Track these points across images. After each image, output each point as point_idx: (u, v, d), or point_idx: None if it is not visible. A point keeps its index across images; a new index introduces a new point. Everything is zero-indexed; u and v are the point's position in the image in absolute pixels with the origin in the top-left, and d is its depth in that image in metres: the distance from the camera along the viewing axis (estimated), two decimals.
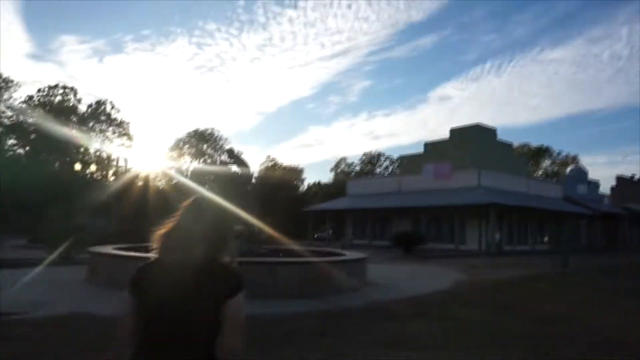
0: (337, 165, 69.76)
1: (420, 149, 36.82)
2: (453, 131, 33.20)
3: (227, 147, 27.59)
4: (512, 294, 10.33)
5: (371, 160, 69.61)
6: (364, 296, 9.16)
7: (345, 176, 61.82)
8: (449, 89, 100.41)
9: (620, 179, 50.86)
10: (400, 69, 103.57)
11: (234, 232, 2.02)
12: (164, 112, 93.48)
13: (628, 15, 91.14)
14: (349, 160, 70.01)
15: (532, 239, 33.72)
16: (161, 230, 1.61)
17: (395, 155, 65.70)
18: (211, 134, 57.92)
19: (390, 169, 66.73)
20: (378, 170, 67.90)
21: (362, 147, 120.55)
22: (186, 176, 45.65)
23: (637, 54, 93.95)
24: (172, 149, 56.50)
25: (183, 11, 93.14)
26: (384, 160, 69.33)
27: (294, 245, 13.10)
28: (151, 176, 37.66)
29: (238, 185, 10.04)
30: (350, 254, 11.35)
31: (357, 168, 68.68)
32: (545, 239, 35.28)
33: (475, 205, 27.98)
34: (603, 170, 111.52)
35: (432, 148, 33.89)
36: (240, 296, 1.54)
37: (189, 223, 1.59)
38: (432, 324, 6.81)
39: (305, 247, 14.11)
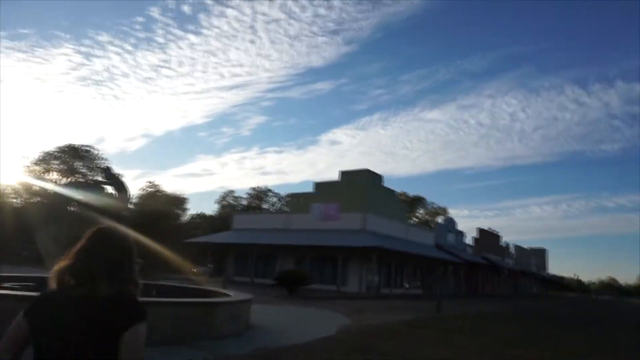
0: (224, 197, 67.77)
1: (308, 189, 37.30)
2: (343, 174, 34.23)
3: (104, 165, 24.94)
4: (397, 340, 10.25)
5: (259, 195, 68.92)
6: (248, 343, 8.31)
7: (232, 209, 60.10)
8: (339, 134, 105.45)
9: (481, 231, 56.63)
10: (295, 110, 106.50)
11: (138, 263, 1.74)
12: (35, 122, 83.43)
13: (492, 91, 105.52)
14: (237, 194, 68.57)
15: (407, 283, 35.42)
16: (63, 262, 1.55)
17: (283, 193, 65.99)
18: (87, 151, 52.49)
19: (277, 206, 66.60)
20: (265, 206, 67.32)
21: (250, 181, 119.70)
22: (51, 194, 40.41)
23: (497, 125, 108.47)
24: (38, 163, 49.93)
25: (73, 15, 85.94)
26: (272, 197, 69.13)
27: (171, 281, 11.79)
28: (6, 191, 32.51)
29: (112, 209, 8.73)
30: (234, 294, 10.44)
31: (244, 202, 67.37)
32: (418, 283, 37.36)
33: (360, 248, 28.64)
34: (463, 223, 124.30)
35: (322, 188, 34.47)
36: (138, 327, 1.47)
37: (94, 254, 1.55)
38: None
39: (183, 282, 12.81)
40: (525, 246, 78.63)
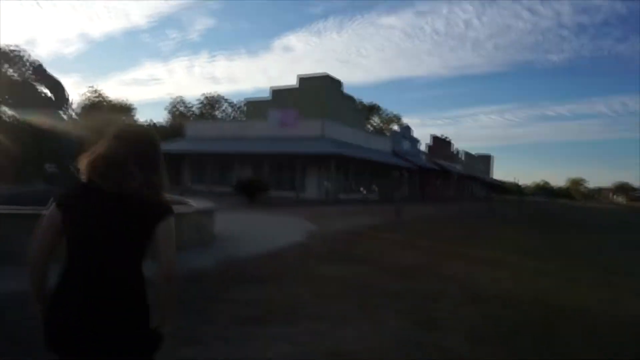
0: (174, 105, 64.41)
1: (261, 96, 35.58)
2: (302, 79, 32.69)
3: (36, 63, 22.09)
4: (366, 245, 10.17)
5: (211, 103, 66.02)
6: (215, 253, 7.85)
7: (183, 118, 57.50)
8: (293, 40, 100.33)
9: (435, 139, 57.79)
10: (246, 12, 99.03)
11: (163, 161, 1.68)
12: None
13: None
14: (187, 102, 65.26)
15: (364, 189, 36.10)
16: (91, 156, 1.60)
17: (236, 101, 63.49)
18: (18, 55, 47.10)
19: (231, 115, 64.39)
20: (219, 114, 64.90)
21: (201, 89, 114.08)
22: None
23: (451, 32, 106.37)
24: None
25: None
26: (225, 105, 66.49)
27: None
28: None
29: (47, 110, 7.54)
30: (196, 203, 9.79)
31: (196, 110, 64.51)
32: (375, 188, 38.17)
33: (319, 155, 28.31)
34: (416, 131, 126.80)
35: (279, 94, 32.99)
36: (170, 220, 1.62)
37: (120, 149, 1.60)
38: (297, 286, 5.91)
39: None
40: (473, 153, 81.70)
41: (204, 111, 63.82)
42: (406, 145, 47.03)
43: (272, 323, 4.35)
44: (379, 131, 68.80)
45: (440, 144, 58.84)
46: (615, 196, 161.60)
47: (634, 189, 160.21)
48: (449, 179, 60.36)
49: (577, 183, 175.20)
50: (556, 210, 40.51)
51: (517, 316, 5.19)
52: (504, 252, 10.40)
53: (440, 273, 7.45)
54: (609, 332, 4.80)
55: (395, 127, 60.63)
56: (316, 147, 28.63)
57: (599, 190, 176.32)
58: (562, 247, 12.23)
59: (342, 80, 34.17)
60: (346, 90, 35.20)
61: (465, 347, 4.11)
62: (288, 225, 13.29)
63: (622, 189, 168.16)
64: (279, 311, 4.72)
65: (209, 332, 4.01)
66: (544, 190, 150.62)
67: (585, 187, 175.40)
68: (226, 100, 65.83)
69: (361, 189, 34.98)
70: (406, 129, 48.64)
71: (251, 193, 23.03)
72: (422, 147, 54.29)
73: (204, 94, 65.04)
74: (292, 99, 31.74)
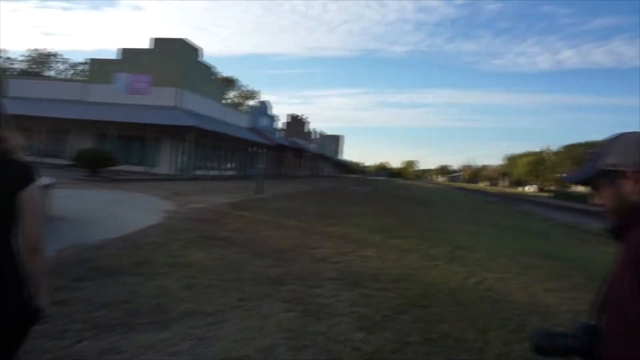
0: None
1: (103, 58, 31.43)
2: (157, 41, 29.61)
3: None
4: (232, 226, 9.59)
5: (41, 59, 56.81)
6: (55, 239, 6.49)
7: (3, 73, 48.32)
8: None
9: (292, 117, 58.68)
10: None
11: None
12: None
13: None
14: (9, 55, 55.05)
15: (222, 165, 34.94)
16: None
17: (72, 60, 55.65)
18: None
19: (66, 74, 56.32)
20: (50, 73, 56.18)
21: (27, 41, 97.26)
22: None
23: (309, 13, 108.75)
24: None
25: None
26: (59, 63, 57.87)
27: None
28: None
29: None
30: None
31: (21, 66, 54.81)
32: (233, 165, 37.28)
33: (174, 127, 26.28)
34: (273, 108, 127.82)
35: (130, 56, 29.47)
36: (33, 187, 1.55)
37: None
38: (163, 277, 5.14)
39: None
40: (326, 133, 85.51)
41: (31, 68, 54.57)
42: (264, 121, 46.80)
43: (139, 328, 3.60)
44: (235, 106, 67.26)
45: (296, 123, 60.01)
46: (438, 177, 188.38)
47: (452, 171, 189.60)
48: (303, 158, 62.22)
49: (410, 164, 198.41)
50: (398, 189, 44.70)
51: (396, 297, 5.25)
52: (365, 229, 10.81)
53: (314, 255, 7.31)
54: (475, 306, 5.14)
55: (253, 103, 59.88)
56: (170, 118, 26.55)
57: (427, 171, 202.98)
58: (413, 224, 13.27)
59: (200, 48, 32.09)
60: (204, 60, 33.23)
61: (359, 335, 3.94)
62: (142, 204, 11.94)
63: (444, 170, 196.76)
64: (145, 312, 3.96)
65: (52, 349, 3.12)
66: (384, 170, 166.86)
67: (416, 168, 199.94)
68: (60, 56, 57.30)
69: (219, 165, 33.80)
70: (264, 106, 48.32)
71: (94, 166, 20.34)
72: (279, 125, 54.70)
73: (32, 48, 55.54)
74: (144, 62, 28.70)
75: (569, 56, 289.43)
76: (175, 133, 27.32)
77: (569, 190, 72.68)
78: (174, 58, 28.70)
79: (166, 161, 28.09)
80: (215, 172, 32.71)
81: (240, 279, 5.39)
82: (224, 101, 66.51)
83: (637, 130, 1.24)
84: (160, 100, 28.12)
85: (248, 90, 74.24)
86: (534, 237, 13.66)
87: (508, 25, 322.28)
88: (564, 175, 1.43)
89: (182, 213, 10.78)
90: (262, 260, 6.54)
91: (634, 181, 1.16)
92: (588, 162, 1.29)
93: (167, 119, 26.32)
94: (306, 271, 6.13)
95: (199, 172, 29.34)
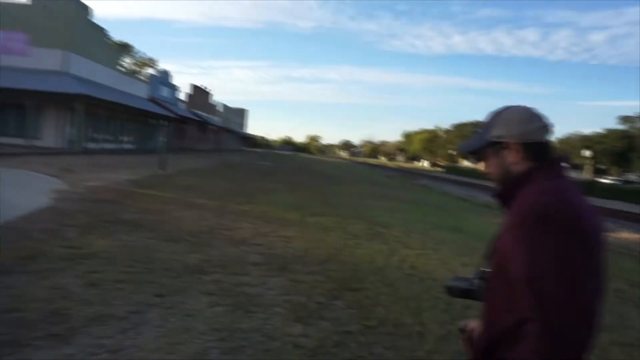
0: None
1: None
2: None
3: None
4: (136, 206, 8.67)
5: None
6: None
7: None
8: None
9: (195, 88, 55.70)
10: None
11: None
12: None
13: None
14: None
15: (118, 138, 32.13)
16: None
17: None
18: None
19: None
20: None
21: None
22: None
23: None
24: None
25: None
26: None
27: None
28: None
29: None
30: None
31: None
32: (130, 138, 34.47)
33: (61, 94, 23.33)
34: (173, 78, 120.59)
35: (3, 11, 25.37)
36: None
37: None
38: (60, 273, 4.36)
39: None
40: (230, 106, 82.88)
41: None
42: (165, 92, 43.84)
43: (33, 345, 2.93)
44: (131, 74, 62.02)
45: (199, 94, 57.17)
46: (341, 152, 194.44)
47: (354, 146, 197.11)
48: (207, 131, 59.72)
49: (313, 139, 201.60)
50: (305, 163, 44.90)
51: (326, 280, 5.03)
52: (281, 207, 10.51)
53: (231, 237, 6.84)
54: (405, 286, 5.10)
55: (151, 72, 55.66)
56: (56, 84, 23.53)
57: (330, 146, 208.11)
58: (327, 200, 13.24)
59: (91, 7, 28.70)
60: (96, 21, 29.80)
61: (296, 328, 3.63)
62: (24, 183, 10.38)
63: (346, 145, 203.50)
64: (40, 322, 3.26)
65: None
66: (288, 144, 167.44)
67: (320, 143, 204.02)
68: None
69: (115, 138, 31.00)
70: (165, 75, 45.13)
71: None
72: (181, 96, 51.65)
73: None
74: (23, 18, 24.90)
75: (458, 41, 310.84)
76: (61, 101, 24.35)
77: (459, 165, 79.09)
78: (58, 15, 25.32)
79: (51, 133, 25.02)
80: (112, 146, 30.02)
81: (153, 269, 4.78)
82: (119, 68, 61.10)
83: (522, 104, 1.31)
84: (44, 64, 24.76)
85: (144, 58, 68.92)
86: (438, 211, 14.41)
87: (406, 8, 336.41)
88: (458, 144, 1.46)
89: (77, 193, 9.53)
90: (176, 246, 5.93)
91: (515, 152, 1.25)
92: (478, 133, 1.36)
93: (51, 85, 23.28)
94: (227, 256, 5.66)
95: (91, 146, 26.64)
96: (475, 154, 1.37)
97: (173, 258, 5.31)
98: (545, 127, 1.26)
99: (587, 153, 62.60)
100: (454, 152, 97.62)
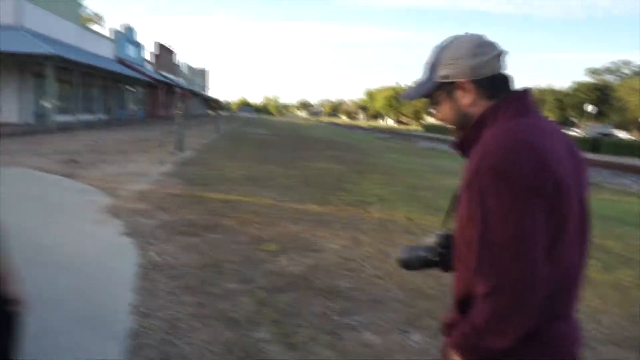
0: None
1: None
2: None
3: None
4: (231, 221, 5.36)
5: None
6: None
7: None
8: None
9: (162, 47, 49.82)
10: None
11: None
12: None
13: None
14: None
15: (90, 107, 27.36)
16: None
17: None
18: None
19: None
20: None
21: None
22: None
23: None
24: None
25: None
26: None
27: None
28: None
29: None
30: None
31: None
32: (99, 107, 29.61)
33: (20, 55, 18.57)
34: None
35: None
36: None
37: None
38: None
39: None
40: (192, 66, 76.61)
41: None
42: (131, 51, 38.44)
43: None
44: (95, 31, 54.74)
45: (165, 53, 51.39)
46: (299, 111, 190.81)
47: (312, 105, 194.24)
48: (173, 95, 54.35)
49: (271, 100, 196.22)
50: (286, 129, 41.25)
51: None
52: (400, 206, 7.41)
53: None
54: None
55: (117, 27, 49.12)
56: (14, 42, 18.65)
57: (287, 106, 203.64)
58: (409, 185, 10.13)
59: None
60: None
61: None
62: (43, 196, 6.75)
63: (304, 105, 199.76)
64: None
65: None
66: (248, 106, 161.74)
67: (278, 103, 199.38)
68: None
69: (91, 108, 26.17)
70: (129, 31, 39.31)
71: None
72: (147, 56, 45.91)
73: None
74: None
75: None
76: (21, 65, 19.56)
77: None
78: None
79: (13, 107, 20.26)
80: (87, 117, 25.30)
81: None
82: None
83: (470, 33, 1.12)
84: None
85: (90, 14, 61.08)
86: None
87: None
88: (402, 94, 1.21)
89: (141, 214, 6.02)
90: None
91: (468, 91, 1.09)
92: (423, 76, 1.16)
93: (8, 44, 18.38)
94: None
95: (64, 119, 21.98)
96: (427, 98, 1.16)
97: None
98: (498, 57, 1.09)
99: (589, 108, 61.87)
100: (421, 109, 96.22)
